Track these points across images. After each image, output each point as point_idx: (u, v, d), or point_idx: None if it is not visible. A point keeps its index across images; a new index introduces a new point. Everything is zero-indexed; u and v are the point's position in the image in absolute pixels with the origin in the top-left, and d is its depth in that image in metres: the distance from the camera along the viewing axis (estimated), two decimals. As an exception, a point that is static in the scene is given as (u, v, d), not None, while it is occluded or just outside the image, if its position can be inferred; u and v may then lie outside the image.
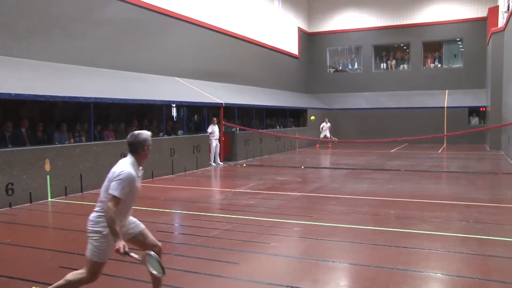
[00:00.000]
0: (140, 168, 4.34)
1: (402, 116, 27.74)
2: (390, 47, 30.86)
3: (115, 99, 12.39)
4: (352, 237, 6.93)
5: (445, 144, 25.97)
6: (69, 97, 11.01)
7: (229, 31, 20.94)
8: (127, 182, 4.00)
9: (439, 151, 22.44)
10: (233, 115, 19.46)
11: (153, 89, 14.89)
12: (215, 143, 16.94)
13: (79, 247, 6.49)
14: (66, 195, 10.64)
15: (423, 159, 18.48)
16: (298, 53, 29.82)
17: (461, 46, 28.83)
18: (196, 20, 18.43)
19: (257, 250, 6.27)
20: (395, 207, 9.12)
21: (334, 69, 32.47)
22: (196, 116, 18.61)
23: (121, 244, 3.95)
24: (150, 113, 15.71)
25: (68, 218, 8.61)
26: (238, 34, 21.84)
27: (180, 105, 17.26)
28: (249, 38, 22.89)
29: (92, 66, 13.38)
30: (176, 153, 14.72)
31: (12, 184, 9.44)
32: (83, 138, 12.10)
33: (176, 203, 10.07)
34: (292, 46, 28.90)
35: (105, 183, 4.09)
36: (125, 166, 4.11)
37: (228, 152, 18.56)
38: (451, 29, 28.42)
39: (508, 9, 19.28)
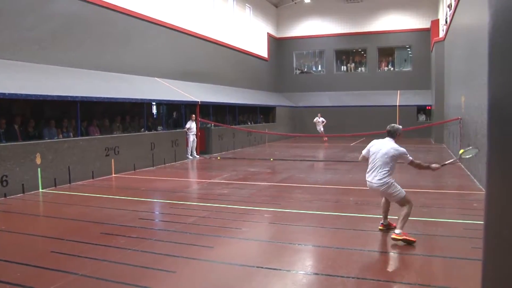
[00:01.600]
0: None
1: (360, 113, 28.13)
2: (350, 51, 31.20)
3: (100, 97, 12.18)
4: (316, 222, 7.02)
5: (397, 138, 26.43)
6: (58, 96, 10.77)
7: (204, 36, 20.81)
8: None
9: (392, 145, 22.81)
10: (208, 112, 19.38)
11: (135, 89, 14.70)
12: (192, 137, 16.84)
13: (67, 233, 6.42)
14: (55, 186, 10.43)
15: (378, 152, 18.73)
16: (268, 56, 29.85)
17: (410, 52, 29.42)
18: (174, 25, 18.25)
19: (231, 235, 6.30)
20: (354, 194, 9.27)
21: (300, 71, 32.62)
22: (175, 113, 18.44)
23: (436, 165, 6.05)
24: (132, 110, 15.50)
25: (57, 207, 8.45)
26: (213, 39, 21.71)
27: (159, 103, 17.07)
28: (222, 42, 22.78)
29: (79, 68, 13.11)
30: (156, 147, 14.58)
31: (6, 176, 9.23)
32: (71, 134, 11.84)
33: (156, 193, 10.00)
34: (262, 49, 28.91)
35: (383, 157, 5.77)
36: (398, 147, 5.86)
37: (204, 146, 18.49)
38: (402, 37, 28.99)
39: (446, 22, 19.82)
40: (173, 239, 6.11)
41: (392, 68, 30.14)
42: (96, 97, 12.03)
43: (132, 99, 13.67)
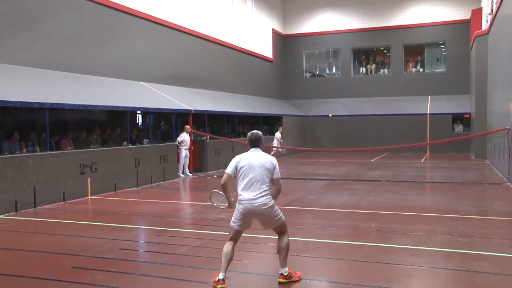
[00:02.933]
0: None
1: (382, 123, 28.09)
2: (370, 50, 31.33)
3: (74, 105, 12.19)
4: (330, 252, 6.94)
5: (428, 153, 26.40)
6: (21, 103, 10.73)
7: (198, 33, 20.91)
8: None
9: (422, 160, 22.79)
10: (203, 123, 19.38)
11: (116, 94, 14.73)
12: (184, 153, 16.82)
13: (30, 268, 6.34)
14: (16, 211, 10.35)
15: (405, 169, 18.72)
16: (273, 56, 29.98)
17: (444, 49, 29.44)
18: (163, 20, 18.37)
19: (229, 268, 6.20)
20: (375, 220, 9.17)
21: (310, 74, 32.74)
22: (163, 123, 18.46)
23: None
24: (113, 120, 15.51)
25: (18, 237, 8.37)
26: (209, 36, 21.83)
27: (146, 112, 17.11)
28: (220, 40, 22.90)
29: (48, 69, 13.16)
30: (142, 164, 14.55)
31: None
32: (37, 148, 11.82)
33: (141, 218, 9.93)
34: (266, 49, 29.04)
35: (262, 170, 5.58)
36: (269, 155, 5.80)
37: (197, 163, 18.45)
38: (433, 32, 28.98)
39: (492, 12, 19.73)
40: (161, 273, 6.03)
41: (421, 69, 30.19)
42: (69, 104, 12.04)
43: (113, 106, 13.68)
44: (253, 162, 5.62)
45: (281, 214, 5.69)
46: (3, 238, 8.49)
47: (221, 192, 5.84)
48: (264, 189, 5.53)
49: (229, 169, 5.66)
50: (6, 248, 7.56)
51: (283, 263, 5.62)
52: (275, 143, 23.40)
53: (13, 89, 11.10)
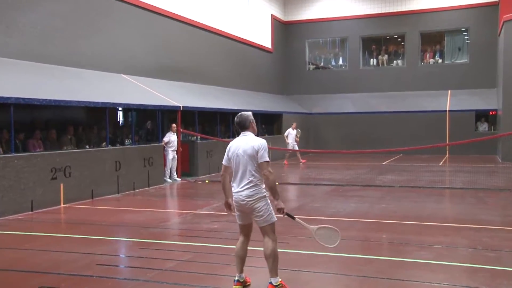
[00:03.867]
0: None
1: (395, 121, 28.13)
2: (382, 39, 31.38)
3: (45, 100, 12.14)
4: (337, 267, 6.93)
5: (447, 155, 26.44)
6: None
7: (188, 19, 20.92)
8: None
9: (441, 163, 22.83)
10: (193, 121, 19.37)
11: (94, 89, 14.71)
12: (172, 155, 16.81)
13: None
14: (-24, 222, 10.34)
15: (421, 173, 18.75)
16: (272, 46, 30.01)
17: (466, 37, 29.47)
18: (148, 4, 18.37)
19: (222, 284, 6.21)
20: (388, 230, 9.18)
21: (314, 66, 32.82)
22: (148, 122, 18.45)
23: (283, 204, 5.80)
24: (90, 118, 15.49)
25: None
26: (200, 23, 21.83)
27: (128, 109, 17.09)
28: (212, 27, 22.91)
29: (13, 58, 13.11)
30: (123, 167, 14.53)
31: None
32: (0, 149, 11.74)
33: (122, 229, 9.92)
34: (264, 38, 29.07)
35: (245, 158, 5.69)
36: (258, 138, 5.85)
37: (187, 166, 18.43)
38: (454, 17, 29.00)
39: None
40: (143, 291, 6.01)
41: (440, 60, 30.26)
42: (38, 99, 11.99)
43: (90, 102, 13.65)
44: (237, 150, 5.80)
45: (271, 214, 5.74)
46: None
47: (327, 226, 6.10)
48: (250, 179, 5.68)
49: (224, 160, 5.96)
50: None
51: (272, 272, 5.68)
52: (291, 142, 23.69)
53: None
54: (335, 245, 5.89)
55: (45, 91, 12.58)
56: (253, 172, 5.67)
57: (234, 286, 5.89)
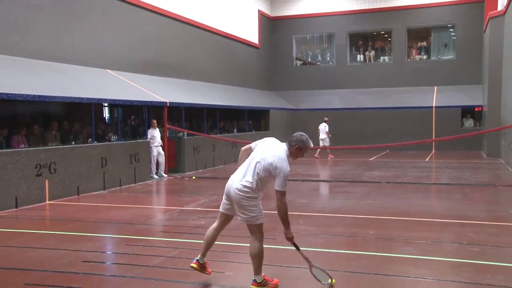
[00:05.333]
0: None
1: (382, 117, 28.24)
2: (369, 35, 31.49)
3: (28, 95, 12.02)
4: (324, 263, 6.91)
5: (433, 151, 26.61)
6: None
7: (174, 14, 20.85)
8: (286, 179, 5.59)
9: (427, 159, 22.96)
10: (179, 117, 19.32)
11: (78, 84, 14.62)
12: (156, 151, 16.75)
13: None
14: (-41, 219, 10.26)
15: (408, 169, 18.83)
16: (259, 42, 30.00)
17: (453, 33, 29.65)
18: (133, -1, 18.29)
19: (209, 280, 6.21)
20: (374, 226, 9.22)
21: (301, 62, 32.84)
22: (134, 117, 18.38)
23: (292, 234, 5.88)
24: (74, 114, 15.39)
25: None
26: (185, 18, 21.77)
27: (113, 104, 17.01)
28: (198, 23, 22.85)
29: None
30: (109, 164, 14.47)
31: None
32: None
33: (108, 226, 9.88)
34: (251, 33, 29.04)
35: (261, 164, 5.57)
36: (284, 157, 5.58)
37: (173, 162, 18.39)
38: (441, 13, 29.17)
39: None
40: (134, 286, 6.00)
41: (426, 57, 30.41)
42: (21, 95, 11.87)
43: (74, 98, 13.55)
44: (263, 149, 5.74)
45: (257, 216, 5.74)
46: None
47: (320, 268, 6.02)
48: (251, 183, 5.62)
49: (253, 143, 5.99)
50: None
51: (256, 271, 5.71)
52: (323, 138, 23.99)
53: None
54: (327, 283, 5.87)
55: (29, 86, 12.47)
56: (258, 180, 5.61)
57: (192, 264, 6.07)
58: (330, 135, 24.21)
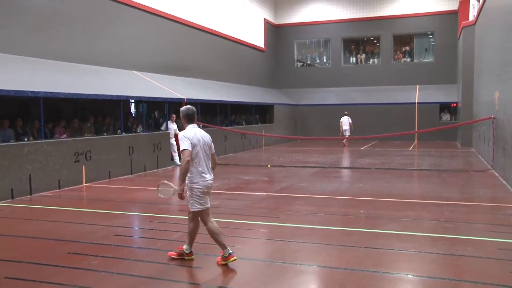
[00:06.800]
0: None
1: (372, 112, 28.18)
2: (360, 40, 31.32)
3: (68, 93, 12.13)
4: (321, 238, 7.01)
5: (416, 141, 26.56)
6: (16, 91, 10.66)
7: (191, 22, 20.81)
8: None
9: (410, 148, 22.94)
10: (196, 111, 19.29)
11: (110, 84, 14.67)
12: (171, 141, 16.65)
13: (27, 254, 6.36)
14: (12, 198, 10.36)
15: (393, 157, 18.84)
16: (264, 46, 29.90)
17: (432, 40, 29.48)
18: (155, 9, 18.25)
19: (221, 253, 6.26)
20: (364, 206, 9.26)
21: (301, 63, 32.71)
22: (157, 112, 18.42)
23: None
24: (106, 109, 15.46)
25: (15, 223, 8.38)
26: (201, 26, 21.72)
27: (139, 101, 17.05)
28: (212, 30, 22.80)
29: (41, 58, 13.07)
30: (135, 152, 14.54)
31: (-48, 186, 9.15)
32: (30, 136, 11.75)
33: (135, 205, 9.95)
34: (258, 38, 28.95)
35: (207, 148, 5.77)
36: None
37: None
38: (422, 22, 29.02)
39: (479, 2, 19.75)
40: (155, 258, 6.07)
41: (410, 59, 30.26)
42: (63, 93, 11.97)
43: (106, 95, 13.63)
44: (201, 139, 5.77)
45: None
46: (0, 225, 8.51)
47: (167, 183, 6.09)
48: (210, 166, 5.88)
49: (188, 146, 5.61)
50: (3, 234, 7.58)
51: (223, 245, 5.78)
52: (346, 129, 24.29)
53: (5, 78, 11.01)
54: (168, 196, 6.12)
55: (68, 85, 12.55)
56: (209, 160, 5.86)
57: (174, 252, 6.06)
58: (353, 127, 24.50)
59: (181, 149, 5.62)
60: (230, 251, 5.72)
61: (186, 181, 5.68)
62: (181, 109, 6.04)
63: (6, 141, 10.79)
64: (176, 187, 5.79)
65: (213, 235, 5.77)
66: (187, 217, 8.45)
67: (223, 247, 5.72)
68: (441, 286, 5.06)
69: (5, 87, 10.48)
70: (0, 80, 10.65)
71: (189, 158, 5.53)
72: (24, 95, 10.96)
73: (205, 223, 5.83)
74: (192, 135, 5.68)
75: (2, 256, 6.32)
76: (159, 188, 6.14)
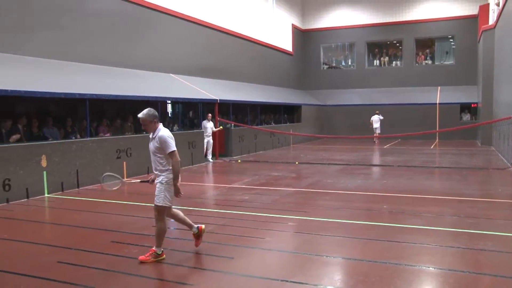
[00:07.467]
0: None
1: (394, 112, 27.75)
2: (383, 44, 30.91)
3: (111, 95, 12.34)
4: (345, 232, 6.96)
5: (437, 140, 26.09)
6: (65, 94, 10.93)
7: (223, 28, 20.90)
8: None
9: (432, 147, 22.54)
10: (228, 111, 19.44)
11: (148, 86, 14.85)
12: (206, 139, 16.81)
13: (75, 241, 6.52)
14: (62, 190, 10.62)
15: (415, 155, 18.56)
16: (292, 50, 29.80)
17: (452, 43, 28.92)
18: (190, 16, 18.38)
19: (252, 244, 6.29)
20: (387, 202, 9.16)
21: (327, 66, 32.50)
22: (191, 112, 18.57)
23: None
24: (145, 109, 15.61)
25: (64, 214, 8.59)
26: (232, 31, 21.79)
27: (175, 102, 17.21)
28: (243, 35, 22.85)
29: (86, 63, 13.32)
30: (172, 149, 14.64)
31: (9, 180, 9.42)
32: (77, 135, 12.03)
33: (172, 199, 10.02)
34: (286, 43, 28.88)
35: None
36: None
37: (223, 148, 18.55)
38: (443, 26, 28.51)
39: (499, 6, 19.33)
40: (190, 248, 6.13)
41: (431, 62, 29.73)
42: (106, 95, 12.19)
43: (145, 97, 13.80)
44: None
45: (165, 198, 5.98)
46: (51, 215, 8.79)
47: (112, 175, 6.36)
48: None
49: (175, 146, 5.87)
50: (55, 223, 7.84)
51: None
52: (377, 127, 24.60)
53: (56, 81, 11.28)
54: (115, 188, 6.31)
55: (111, 88, 12.75)
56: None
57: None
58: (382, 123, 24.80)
59: (171, 149, 5.70)
60: (197, 226, 6.04)
61: (162, 176, 5.83)
62: (145, 111, 5.91)
63: (55, 138, 11.07)
64: (122, 179, 6.19)
65: (177, 217, 6.14)
66: (222, 211, 8.51)
67: (190, 226, 6.06)
68: (461, 279, 4.97)
69: (56, 90, 10.76)
70: (52, 84, 10.94)
71: (179, 158, 5.74)
72: (72, 97, 11.23)
73: (169, 216, 6.05)
74: (172, 136, 5.87)
75: (55, 243, 6.52)
76: (103, 181, 6.36)
